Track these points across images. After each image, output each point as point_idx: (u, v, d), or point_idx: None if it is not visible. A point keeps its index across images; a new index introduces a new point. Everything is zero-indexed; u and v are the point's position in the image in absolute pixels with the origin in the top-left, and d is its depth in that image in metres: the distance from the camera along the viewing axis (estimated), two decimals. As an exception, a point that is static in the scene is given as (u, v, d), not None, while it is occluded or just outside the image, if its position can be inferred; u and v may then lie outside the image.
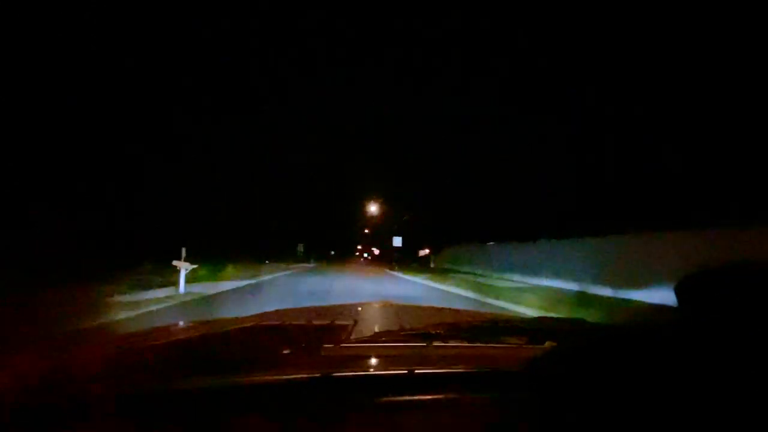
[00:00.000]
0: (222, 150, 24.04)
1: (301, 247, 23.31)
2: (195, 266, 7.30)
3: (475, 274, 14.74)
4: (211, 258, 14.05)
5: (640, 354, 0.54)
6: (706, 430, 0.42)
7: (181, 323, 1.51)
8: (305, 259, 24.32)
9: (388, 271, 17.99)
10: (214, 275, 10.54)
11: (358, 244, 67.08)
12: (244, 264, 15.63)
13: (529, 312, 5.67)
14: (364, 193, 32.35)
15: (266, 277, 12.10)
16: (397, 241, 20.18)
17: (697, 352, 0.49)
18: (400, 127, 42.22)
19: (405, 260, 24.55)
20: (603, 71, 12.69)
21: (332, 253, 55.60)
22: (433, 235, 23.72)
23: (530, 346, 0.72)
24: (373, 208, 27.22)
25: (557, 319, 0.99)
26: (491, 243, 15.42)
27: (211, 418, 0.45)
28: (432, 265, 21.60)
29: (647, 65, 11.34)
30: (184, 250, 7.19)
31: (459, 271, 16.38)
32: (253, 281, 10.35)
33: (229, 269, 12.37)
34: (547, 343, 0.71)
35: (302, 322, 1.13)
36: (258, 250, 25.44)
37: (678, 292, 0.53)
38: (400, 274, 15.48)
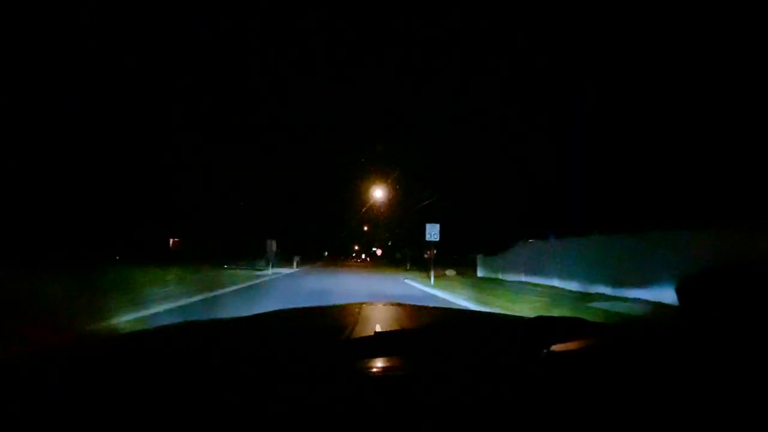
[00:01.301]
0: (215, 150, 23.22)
1: (273, 245, 14.85)
2: None
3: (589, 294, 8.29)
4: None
5: (639, 353, 0.57)
6: (706, 429, 0.41)
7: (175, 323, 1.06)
8: (287, 260, 17.61)
9: (410, 282, 11.21)
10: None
11: (356, 243, 60.64)
12: (185, 269, 10.37)
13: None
14: (363, 188, 27.43)
15: (172, 304, 5.36)
16: (433, 232, 10.79)
17: (697, 350, 0.50)
18: (400, 125, 39.74)
19: (419, 262, 18.44)
20: (603, 71, 12.32)
21: (326, 253, 49.82)
22: (457, 236, 18.30)
23: (529, 345, 0.66)
24: (378, 193, 20.84)
25: (556, 318, 0.82)
26: (589, 236, 8.96)
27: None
28: (480, 274, 14.77)
29: (647, 66, 10.93)
30: None
31: (538, 284, 9.92)
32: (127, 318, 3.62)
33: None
34: (547, 343, 0.65)
35: (301, 322, 1.09)
36: (226, 250, 20.96)
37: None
38: (455, 299, 7.02)
